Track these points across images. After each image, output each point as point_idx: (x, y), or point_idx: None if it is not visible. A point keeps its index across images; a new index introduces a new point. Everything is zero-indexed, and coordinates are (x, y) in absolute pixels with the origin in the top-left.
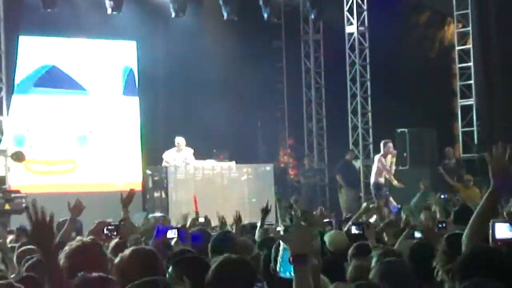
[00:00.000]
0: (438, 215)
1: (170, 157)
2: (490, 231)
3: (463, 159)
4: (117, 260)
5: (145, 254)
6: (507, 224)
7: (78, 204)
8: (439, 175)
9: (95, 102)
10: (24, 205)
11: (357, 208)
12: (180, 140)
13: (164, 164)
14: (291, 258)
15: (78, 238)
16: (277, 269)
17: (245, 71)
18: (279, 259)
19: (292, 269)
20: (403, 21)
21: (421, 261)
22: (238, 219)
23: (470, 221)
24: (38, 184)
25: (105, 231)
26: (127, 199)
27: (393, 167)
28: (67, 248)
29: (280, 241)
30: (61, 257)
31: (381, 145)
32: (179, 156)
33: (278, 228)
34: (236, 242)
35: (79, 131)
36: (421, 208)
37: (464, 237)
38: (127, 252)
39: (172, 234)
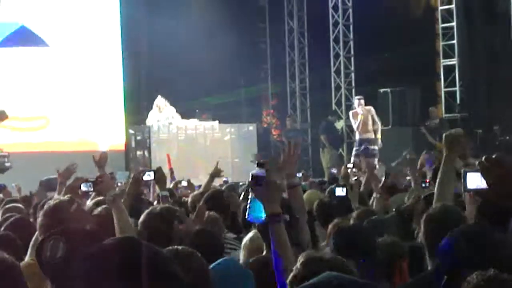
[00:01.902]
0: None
1: (153, 119)
2: (462, 181)
3: (446, 118)
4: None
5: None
6: (479, 174)
7: (69, 167)
8: (421, 134)
9: (77, 59)
10: (7, 164)
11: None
12: (159, 101)
13: (148, 125)
14: (267, 219)
15: (56, 196)
16: (247, 215)
17: (228, 31)
18: (248, 204)
19: (260, 215)
20: None
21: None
22: (215, 173)
23: (435, 189)
24: (18, 143)
25: (82, 188)
26: (101, 161)
27: (370, 123)
28: (45, 206)
29: (249, 190)
30: (39, 216)
31: None
32: (162, 116)
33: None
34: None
35: (61, 89)
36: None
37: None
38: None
39: (148, 177)
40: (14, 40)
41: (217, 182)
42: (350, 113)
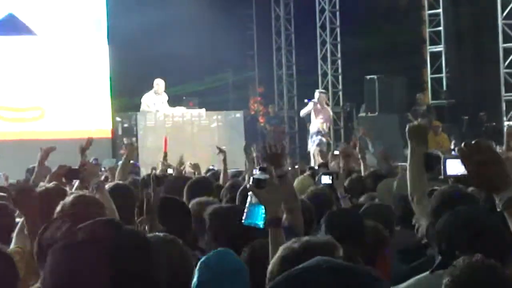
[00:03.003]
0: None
1: (149, 100)
2: (442, 167)
3: (432, 105)
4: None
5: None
6: (458, 160)
7: (47, 149)
8: (408, 121)
9: (64, 48)
10: None
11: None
12: (159, 82)
13: (142, 107)
14: (267, 222)
15: (42, 184)
16: (243, 218)
17: (215, 18)
18: (246, 208)
19: (259, 220)
20: None
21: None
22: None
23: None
24: (6, 132)
25: (66, 175)
26: (85, 146)
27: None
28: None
29: (249, 193)
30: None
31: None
32: (158, 100)
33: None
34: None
35: (47, 78)
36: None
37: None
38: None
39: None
40: (1, 28)
41: (202, 169)
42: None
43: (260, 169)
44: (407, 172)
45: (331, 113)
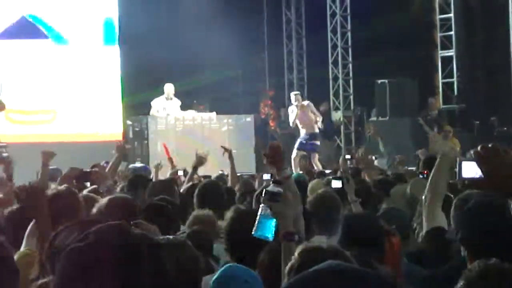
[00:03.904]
0: None
1: (159, 105)
2: (457, 170)
3: (443, 110)
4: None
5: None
6: (474, 163)
7: (47, 152)
8: (419, 126)
9: (75, 51)
10: (5, 154)
11: (335, 159)
12: (169, 88)
13: (152, 112)
14: (281, 237)
15: (53, 186)
16: (254, 229)
17: (226, 21)
18: (257, 219)
19: (269, 233)
20: None
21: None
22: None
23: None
24: (18, 134)
25: (77, 178)
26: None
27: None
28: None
29: (261, 205)
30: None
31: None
32: (169, 105)
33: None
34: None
35: (58, 81)
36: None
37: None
38: (103, 201)
39: None
40: (13, 31)
41: (213, 174)
42: (289, 109)
43: (273, 182)
44: (431, 174)
45: (313, 116)
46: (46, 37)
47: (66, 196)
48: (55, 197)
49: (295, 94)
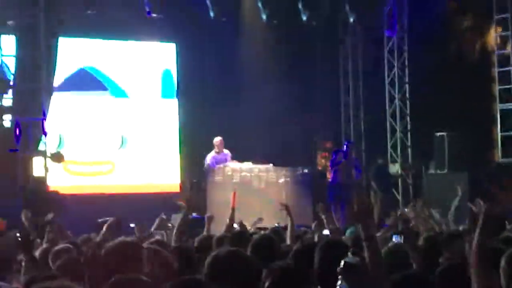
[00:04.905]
0: None
1: (211, 161)
2: None
3: (502, 163)
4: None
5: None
6: None
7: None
8: (477, 179)
9: (134, 104)
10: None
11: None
12: (217, 142)
13: (205, 167)
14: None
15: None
16: None
17: (283, 74)
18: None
19: None
20: (442, 24)
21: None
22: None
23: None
24: (76, 185)
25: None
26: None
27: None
28: (106, 245)
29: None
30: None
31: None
32: (220, 158)
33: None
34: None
35: (118, 133)
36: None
37: None
38: None
39: None
40: (72, 84)
41: (270, 226)
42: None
43: (352, 253)
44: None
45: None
46: (105, 89)
47: (130, 248)
48: (114, 251)
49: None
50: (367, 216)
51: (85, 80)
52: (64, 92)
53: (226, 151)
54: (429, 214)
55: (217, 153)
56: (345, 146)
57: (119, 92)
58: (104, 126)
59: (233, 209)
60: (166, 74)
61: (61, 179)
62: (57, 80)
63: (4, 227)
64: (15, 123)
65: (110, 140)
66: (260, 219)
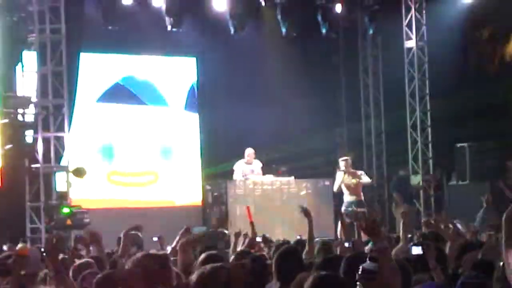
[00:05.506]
0: None
1: (239, 168)
2: None
3: None
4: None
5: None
6: None
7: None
8: (499, 190)
9: (157, 117)
10: (86, 220)
11: (414, 224)
12: (248, 152)
13: (235, 176)
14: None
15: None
16: None
17: (303, 85)
18: None
19: None
20: (462, 36)
21: None
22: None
23: None
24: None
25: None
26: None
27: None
28: (138, 254)
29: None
30: (128, 264)
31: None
32: (247, 168)
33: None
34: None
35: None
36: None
37: None
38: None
39: None
40: (109, 96)
41: (292, 238)
42: (337, 174)
43: (370, 259)
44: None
45: (363, 179)
46: (144, 103)
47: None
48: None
49: (344, 160)
50: (375, 230)
51: (122, 93)
52: (89, 105)
53: (257, 162)
54: (452, 226)
55: (246, 163)
56: None
57: (143, 106)
58: (129, 139)
59: (251, 224)
60: (189, 88)
61: (104, 192)
62: (80, 95)
63: (27, 252)
64: (37, 139)
65: (148, 152)
66: None
